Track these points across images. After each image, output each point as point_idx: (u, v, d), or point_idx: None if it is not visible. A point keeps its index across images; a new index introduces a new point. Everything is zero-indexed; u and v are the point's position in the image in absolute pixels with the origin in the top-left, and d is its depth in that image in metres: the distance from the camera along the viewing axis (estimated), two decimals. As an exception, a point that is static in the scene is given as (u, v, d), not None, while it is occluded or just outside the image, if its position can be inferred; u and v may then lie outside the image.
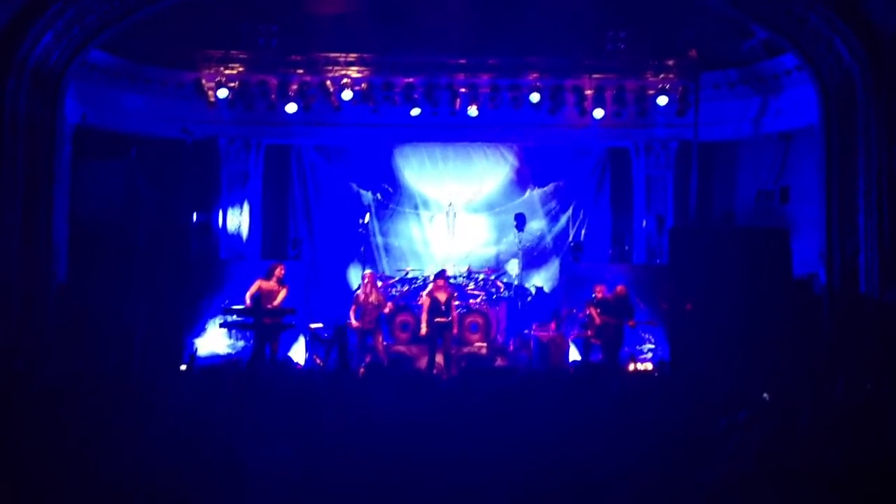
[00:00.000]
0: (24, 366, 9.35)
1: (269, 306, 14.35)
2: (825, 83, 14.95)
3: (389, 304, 16.22)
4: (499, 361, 16.13)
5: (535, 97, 17.67)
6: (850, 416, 4.98)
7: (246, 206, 18.95)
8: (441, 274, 15.79)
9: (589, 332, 15.42)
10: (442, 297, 15.18)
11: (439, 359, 15.06)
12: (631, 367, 14.89)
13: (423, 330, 15.31)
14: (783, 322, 13.96)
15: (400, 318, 16.74)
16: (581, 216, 19.23)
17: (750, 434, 4.06)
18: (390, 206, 19.42)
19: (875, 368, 11.70)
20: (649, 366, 15.38)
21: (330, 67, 17.74)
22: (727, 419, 4.27)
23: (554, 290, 18.46)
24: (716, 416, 4.36)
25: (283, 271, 14.75)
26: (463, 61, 17.73)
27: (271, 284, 14.58)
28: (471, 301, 17.11)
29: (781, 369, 10.08)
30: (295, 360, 15.99)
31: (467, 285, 17.73)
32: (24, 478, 1.89)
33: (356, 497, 2.79)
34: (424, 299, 15.41)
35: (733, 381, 8.21)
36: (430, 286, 15.55)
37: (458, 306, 16.10)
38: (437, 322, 15.05)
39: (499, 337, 17.09)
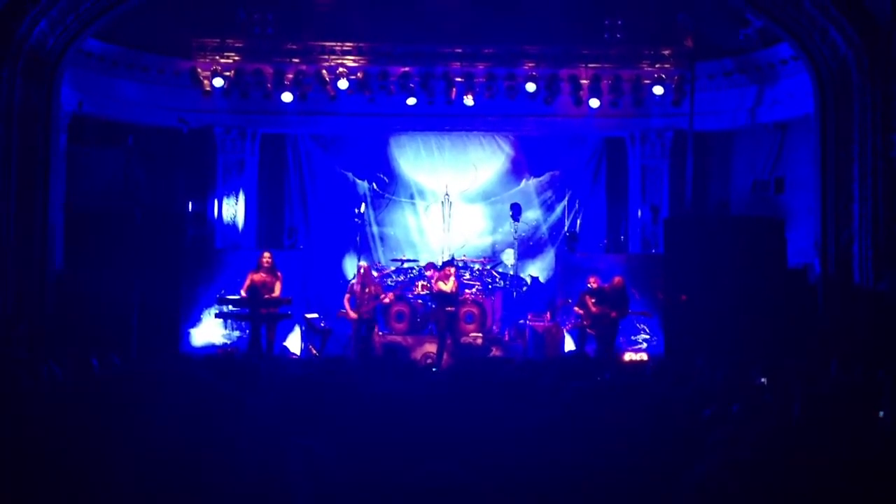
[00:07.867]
0: (24, 354, 9.35)
1: (267, 296, 14.36)
2: (820, 72, 14.95)
3: (390, 294, 16.19)
4: (494, 351, 16.14)
5: (531, 87, 17.65)
6: (843, 402, 5.01)
7: (241, 196, 18.96)
8: (449, 262, 15.89)
9: (585, 323, 15.44)
10: (450, 287, 15.25)
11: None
12: (626, 357, 14.92)
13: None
14: (778, 312, 14.01)
15: (396, 308, 16.73)
16: (577, 206, 19.23)
17: (743, 423, 4.09)
18: (386, 195, 19.41)
19: (868, 357, 11.74)
20: (644, 356, 15.41)
21: (326, 56, 17.71)
22: (712, 409, 4.31)
23: (549, 280, 18.49)
24: (708, 406, 4.39)
25: (269, 257, 14.74)
26: (459, 50, 17.72)
27: (262, 276, 14.58)
28: (466, 291, 17.12)
29: (776, 358, 10.11)
30: (291, 350, 16.01)
31: (463, 275, 17.74)
32: (20, 473, 1.89)
33: (351, 486, 2.81)
34: (436, 288, 15.42)
35: (727, 371, 8.24)
36: (437, 276, 15.57)
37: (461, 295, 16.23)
38: (447, 312, 15.14)
39: (494, 327, 17.10)
